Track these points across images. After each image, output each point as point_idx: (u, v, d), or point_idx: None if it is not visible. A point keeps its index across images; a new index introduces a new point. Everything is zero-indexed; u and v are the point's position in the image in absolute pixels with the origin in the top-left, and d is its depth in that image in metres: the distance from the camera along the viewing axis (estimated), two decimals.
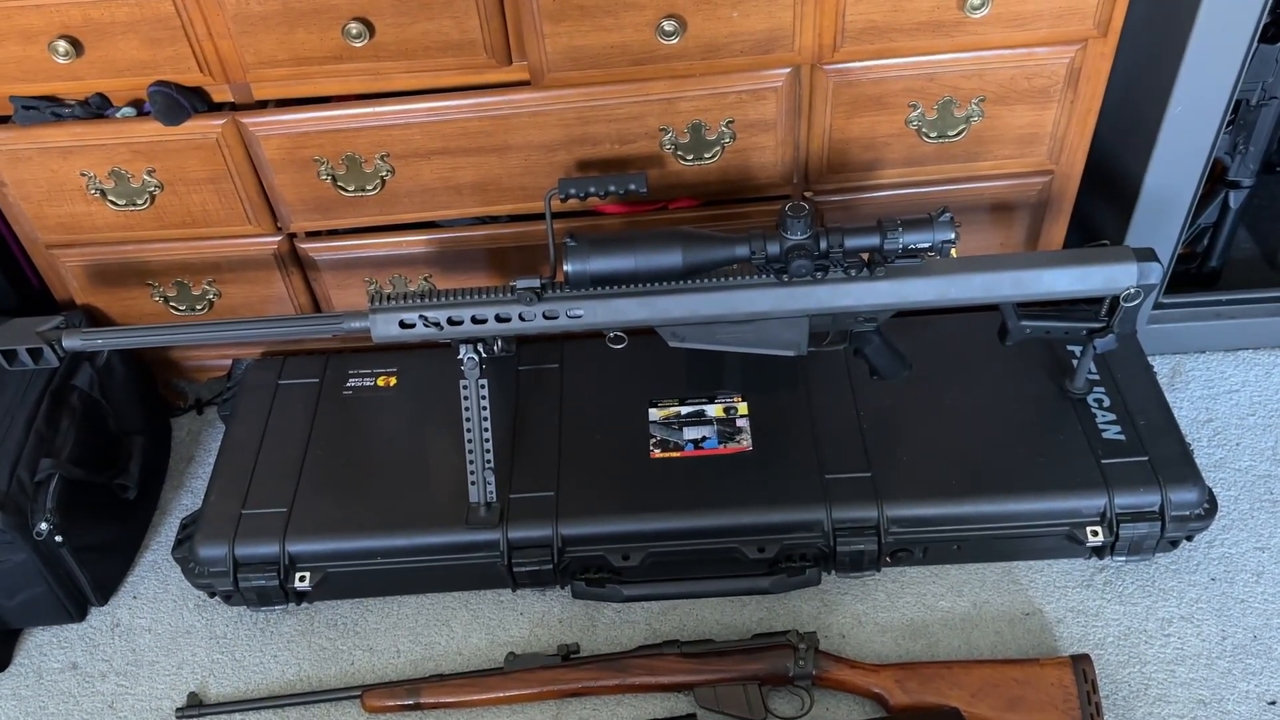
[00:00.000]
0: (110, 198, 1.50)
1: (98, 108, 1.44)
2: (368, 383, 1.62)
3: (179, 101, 1.40)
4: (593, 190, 1.31)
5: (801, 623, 1.46)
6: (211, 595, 1.51)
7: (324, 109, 1.43)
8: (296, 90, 1.42)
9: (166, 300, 1.64)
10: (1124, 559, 1.47)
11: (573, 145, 1.46)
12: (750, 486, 1.45)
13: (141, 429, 1.66)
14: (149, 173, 1.48)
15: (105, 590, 1.57)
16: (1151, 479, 1.42)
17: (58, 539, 1.44)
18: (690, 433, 1.52)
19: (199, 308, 1.65)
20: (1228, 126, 1.51)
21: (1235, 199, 1.68)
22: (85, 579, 1.51)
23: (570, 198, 1.32)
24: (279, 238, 1.57)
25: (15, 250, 1.66)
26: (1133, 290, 1.34)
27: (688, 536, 1.44)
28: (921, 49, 1.39)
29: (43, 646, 1.53)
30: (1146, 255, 1.33)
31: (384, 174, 1.48)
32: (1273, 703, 1.34)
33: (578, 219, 1.56)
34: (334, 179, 1.49)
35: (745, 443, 1.50)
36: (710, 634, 1.46)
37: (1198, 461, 1.45)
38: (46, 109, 1.42)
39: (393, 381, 1.62)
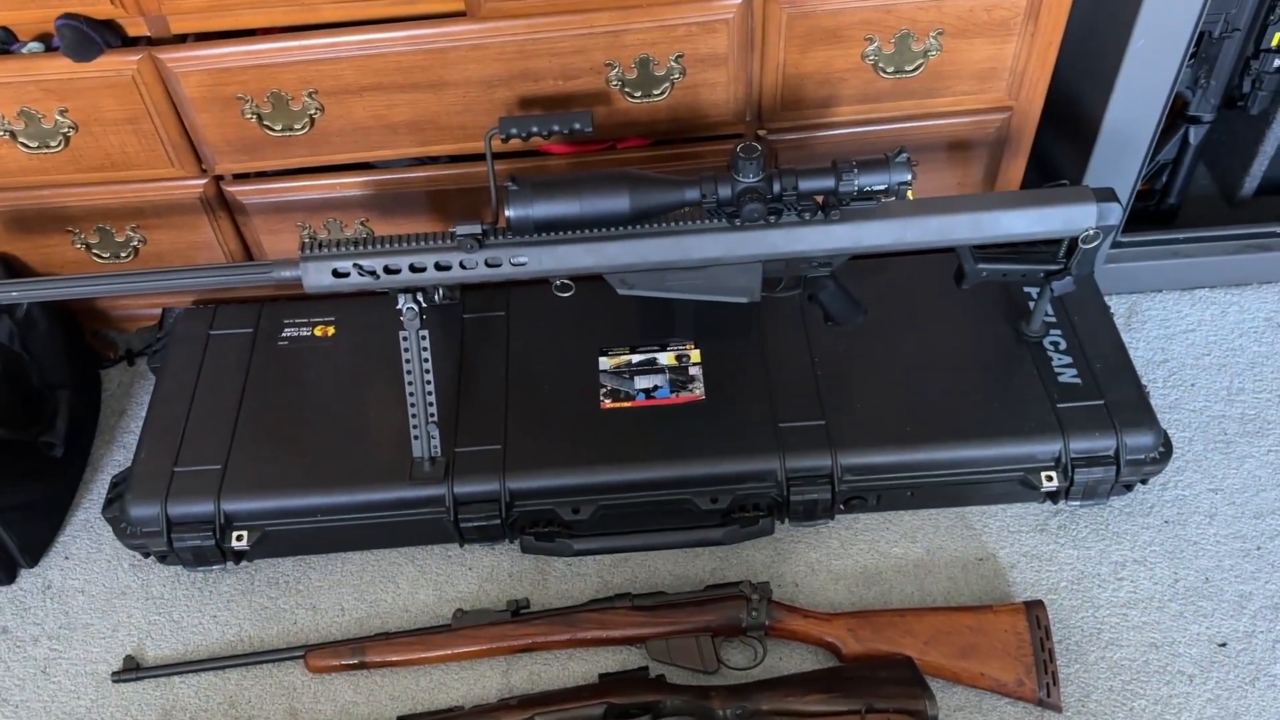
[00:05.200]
0: (21, 140, 1.41)
1: (2, 43, 1.34)
2: (304, 333, 1.56)
3: (89, 36, 1.31)
4: (535, 130, 1.25)
5: (754, 572, 1.44)
6: (146, 555, 1.46)
7: (246, 43, 1.35)
8: (217, 23, 1.33)
9: (89, 248, 1.56)
10: (1078, 503, 1.46)
11: (514, 81, 1.39)
12: (703, 436, 1.42)
13: (68, 383, 1.59)
14: (61, 113, 1.38)
15: (34, 551, 1.51)
16: (1107, 423, 1.40)
17: None
18: (641, 382, 1.48)
19: (123, 255, 1.57)
20: (1190, 60, 1.47)
21: (1195, 135, 1.65)
22: (11, 541, 1.45)
23: (512, 137, 1.26)
24: (204, 180, 1.49)
25: None
26: (1092, 232, 1.31)
27: (639, 488, 1.40)
28: None
29: None
30: (1106, 195, 1.30)
31: (313, 112, 1.40)
32: (1223, 644, 1.35)
33: (522, 160, 1.49)
34: (259, 118, 1.41)
35: (698, 392, 1.46)
36: (662, 586, 1.43)
37: (1153, 404, 1.44)
38: None
39: (331, 331, 1.56)
